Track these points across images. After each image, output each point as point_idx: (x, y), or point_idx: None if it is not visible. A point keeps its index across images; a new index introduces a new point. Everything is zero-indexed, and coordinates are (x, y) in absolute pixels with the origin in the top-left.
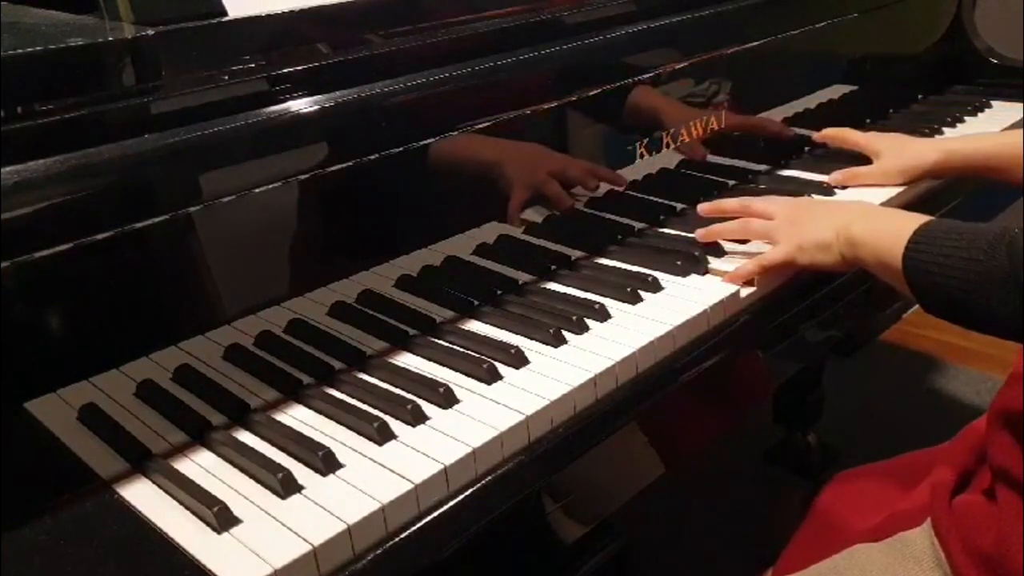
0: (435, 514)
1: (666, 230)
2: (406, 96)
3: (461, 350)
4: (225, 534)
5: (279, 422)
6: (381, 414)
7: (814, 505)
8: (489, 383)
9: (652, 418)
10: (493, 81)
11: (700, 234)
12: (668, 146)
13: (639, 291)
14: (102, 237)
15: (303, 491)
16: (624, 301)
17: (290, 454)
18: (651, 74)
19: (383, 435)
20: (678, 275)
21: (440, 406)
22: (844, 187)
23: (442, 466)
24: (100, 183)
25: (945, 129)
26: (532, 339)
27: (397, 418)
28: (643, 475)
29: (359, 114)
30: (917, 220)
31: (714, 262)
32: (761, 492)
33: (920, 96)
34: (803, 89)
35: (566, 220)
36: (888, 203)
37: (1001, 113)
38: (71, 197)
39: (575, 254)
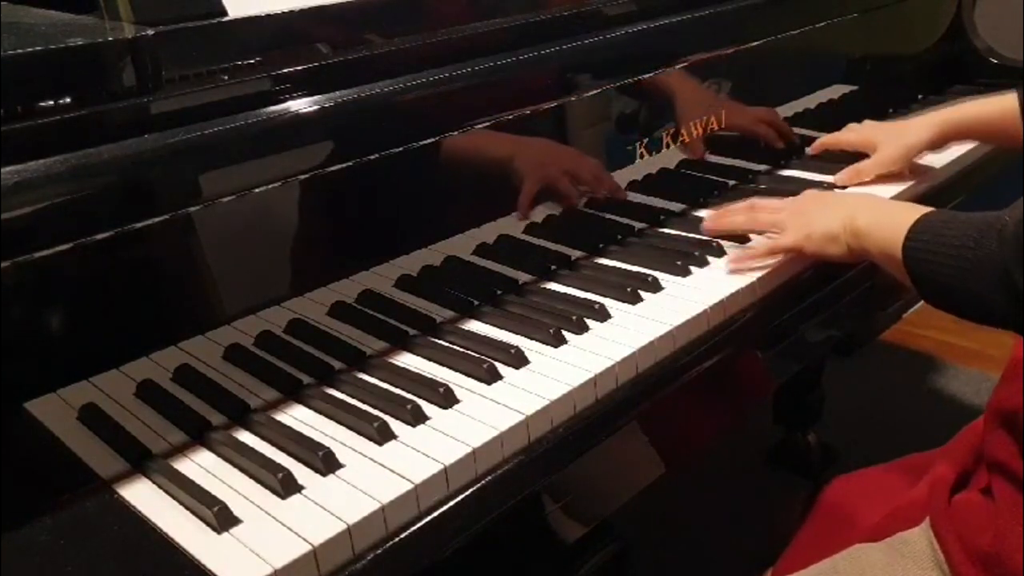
0: (435, 514)
1: (666, 230)
2: (406, 96)
3: (461, 350)
4: (225, 534)
5: (279, 422)
6: (381, 414)
7: (814, 505)
8: (489, 383)
9: (652, 418)
10: (493, 81)
11: (707, 227)
12: (668, 146)
13: (639, 291)
14: (102, 237)
15: (303, 491)
16: (624, 301)
17: (290, 454)
18: (651, 74)
19: (383, 435)
20: (678, 275)
21: (440, 406)
22: (848, 186)
23: (442, 466)
24: (100, 183)
25: None
26: (532, 339)
27: (397, 418)
28: (643, 475)
29: (359, 114)
30: (920, 211)
31: (714, 262)
32: (761, 492)
33: (920, 96)
34: (803, 89)
35: (566, 220)
36: (896, 199)
37: None
38: (71, 197)
39: (575, 254)
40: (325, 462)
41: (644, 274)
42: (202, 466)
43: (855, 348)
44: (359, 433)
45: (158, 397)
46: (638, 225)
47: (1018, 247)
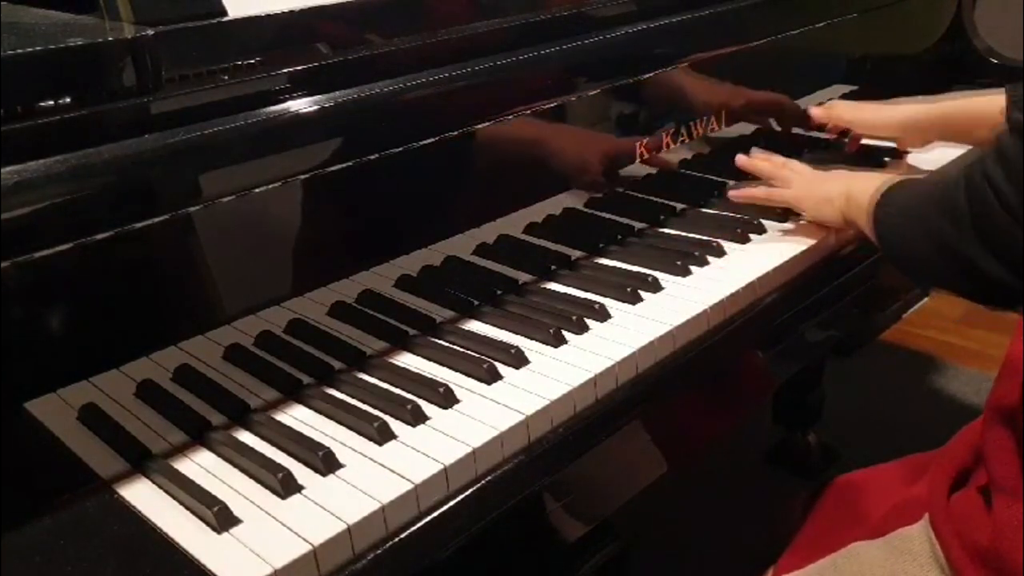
0: (435, 514)
1: (666, 230)
2: (406, 96)
3: (461, 350)
4: (225, 534)
5: (279, 422)
6: (381, 414)
7: (814, 505)
8: (489, 383)
9: (652, 418)
10: (493, 81)
11: (732, 195)
12: (668, 146)
13: (639, 291)
14: (102, 237)
15: (303, 491)
16: (624, 301)
17: (290, 454)
18: (650, 74)
19: (383, 435)
20: (678, 275)
21: (440, 406)
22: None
23: (442, 466)
24: (100, 183)
25: None
26: (532, 339)
27: (397, 418)
28: (643, 475)
29: (359, 114)
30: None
31: (714, 262)
32: (761, 492)
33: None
34: (803, 89)
35: (566, 220)
36: None
37: None
38: (71, 197)
39: (575, 254)
40: (325, 462)
41: (644, 274)
42: (202, 466)
43: (855, 348)
44: (359, 433)
45: (158, 397)
46: (638, 225)
47: (954, 204)
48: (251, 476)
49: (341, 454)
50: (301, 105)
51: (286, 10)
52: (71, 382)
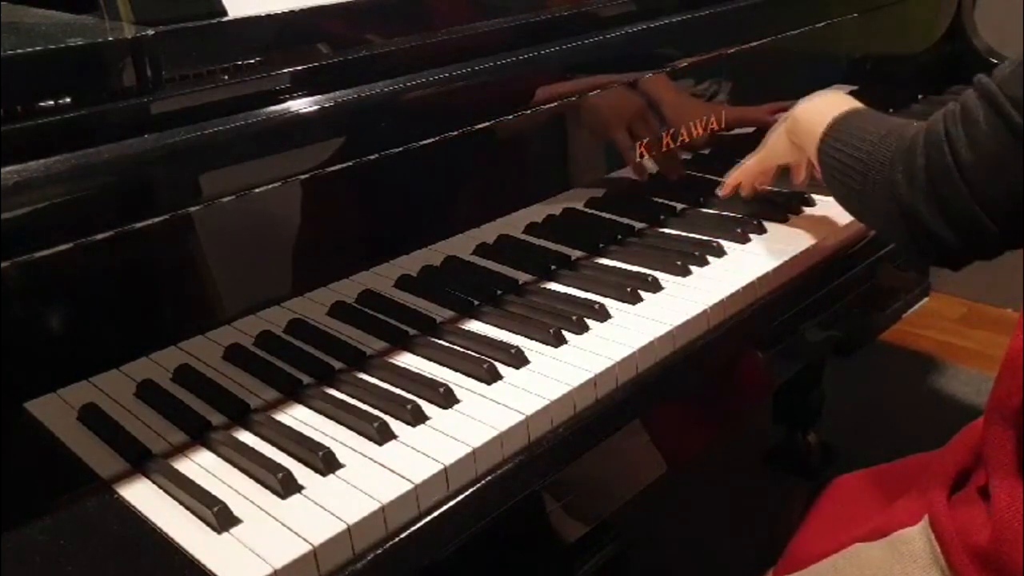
0: (435, 514)
1: (666, 230)
2: (406, 96)
3: (461, 350)
4: (225, 534)
5: (279, 422)
6: (381, 414)
7: (814, 505)
8: (489, 383)
9: (652, 418)
10: (493, 81)
11: (719, 192)
12: (668, 146)
13: (639, 291)
14: (102, 237)
15: (303, 491)
16: (624, 301)
17: (290, 454)
18: (650, 74)
19: (383, 435)
20: (678, 275)
21: (440, 406)
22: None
23: (442, 466)
24: (100, 183)
25: None
26: (532, 339)
27: (397, 418)
28: (643, 475)
29: (359, 114)
30: (855, 106)
31: (714, 262)
32: (761, 492)
33: (920, 96)
34: (803, 89)
35: (566, 220)
36: None
37: None
38: (71, 197)
39: (575, 254)
40: (325, 462)
41: (644, 274)
42: (202, 466)
43: (855, 348)
44: (359, 433)
45: (158, 397)
46: (638, 225)
47: (910, 158)
48: (251, 476)
49: (341, 454)
50: (301, 105)
51: (286, 10)
52: (71, 382)
